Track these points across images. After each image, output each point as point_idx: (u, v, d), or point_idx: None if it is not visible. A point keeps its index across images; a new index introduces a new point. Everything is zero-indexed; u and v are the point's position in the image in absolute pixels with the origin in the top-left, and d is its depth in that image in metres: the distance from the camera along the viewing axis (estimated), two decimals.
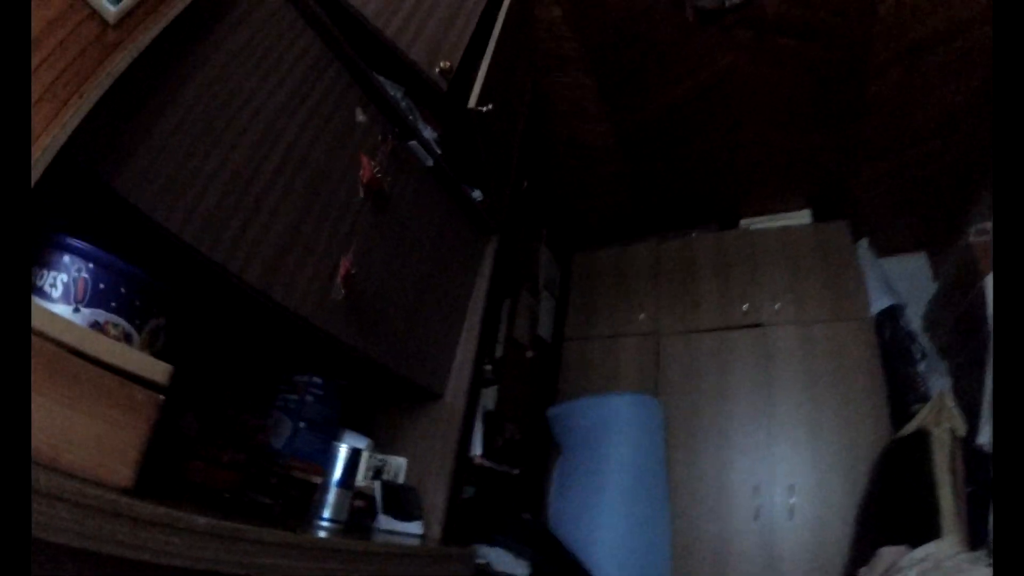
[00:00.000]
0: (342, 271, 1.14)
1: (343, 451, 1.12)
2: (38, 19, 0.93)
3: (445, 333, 1.51)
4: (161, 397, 0.79)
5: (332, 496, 1.09)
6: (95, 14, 0.89)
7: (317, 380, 1.36)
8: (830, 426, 2.35)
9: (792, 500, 2.29)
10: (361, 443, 1.41)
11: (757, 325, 2.68)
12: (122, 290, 0.84)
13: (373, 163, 1.23)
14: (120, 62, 0.87)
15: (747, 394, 2.54)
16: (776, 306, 2.69)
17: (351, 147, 1.22)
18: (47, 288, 0.81)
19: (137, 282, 0.86)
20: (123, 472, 0.75)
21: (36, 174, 0.75)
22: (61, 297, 0.81)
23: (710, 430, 2.53)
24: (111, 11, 0.89)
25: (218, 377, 1.30)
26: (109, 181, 0.84)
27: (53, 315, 0.75)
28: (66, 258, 0.82)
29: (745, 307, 2.74)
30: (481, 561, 1.55)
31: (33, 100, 0.85)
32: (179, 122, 0.92)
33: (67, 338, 0.73)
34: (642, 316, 2.94)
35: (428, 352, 1.45)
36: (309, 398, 1.34)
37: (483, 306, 1.60)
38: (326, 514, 1.08)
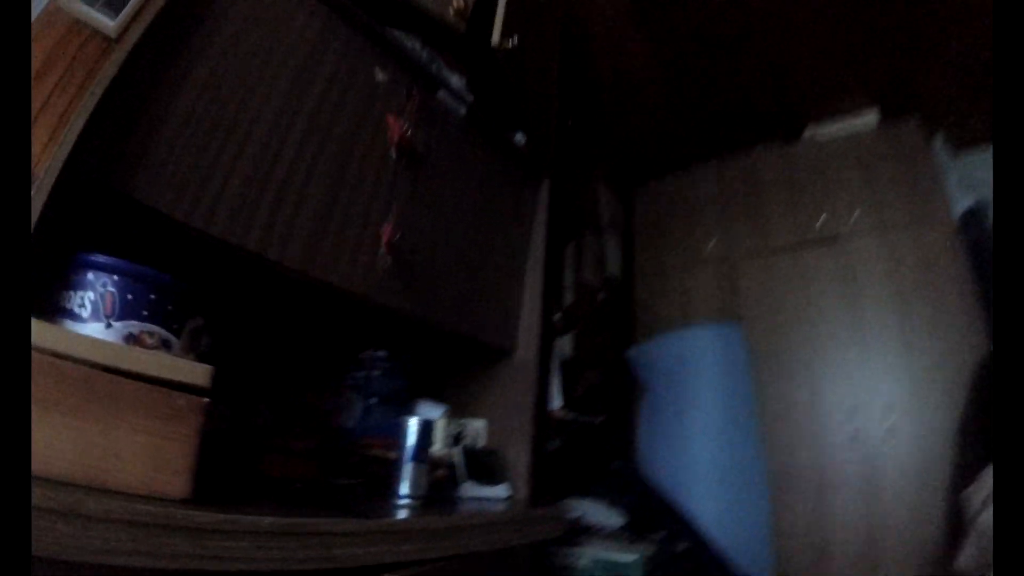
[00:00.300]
0: (384, 239, 1.08)
1: (413, 424, 1.08)
2: (41, 49, 0.91)
3: (506, 287, 1.45)
4: (205, 400, 0.75)
5: (408, 472, 1.06)
6: (96, 33, 0.89)
7: (381, 354, 1.33)
8: (923, 339, 2.14)
9: (890, 420, 2.12)
10: (436, 411, 1.38)
11: (834, 239, 2.46)
12: (151, 297, 0.82)
13: (401, 122, 1.16)
14: (108, 67, 0.83)
15: (832, 312, 2.35)
16: (852, 217, 2.44)
17: (376, 110, 1.16)
18: (76, 309, 0.79)
19: (166, 287, 0.83)
20: (177, 483, 0.73)
21: (43, 194, 0.75)
22: (91, 316, 0.79)
23: (797, 354, 2.36)
24: (110, 26, 0.88)
25: (287, 364, 1.30)
26: (123, 188, 0.83)
27: (77, 336, 0.73)
28: (90, 275, 0.80)
29: (820, 221, 2.51)
30: (574, 515, 1.50)
31: (50, 127, 0.84)
32: (186, 117, 0.89)
33: (96, 356, 0.71)
34: (712, 243, 2.76)
35: (491, 309, 1.39)
36: (376, 373, 1.31)
37: (543, 253, 1.51)
38: (404, 491, 1.05)
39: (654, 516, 1.64)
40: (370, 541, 0.81)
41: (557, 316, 1.54)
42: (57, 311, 0.79)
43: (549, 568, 1.35)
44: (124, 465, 0.71)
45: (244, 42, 0.98)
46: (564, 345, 1.96)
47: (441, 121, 1.31)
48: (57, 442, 0.68)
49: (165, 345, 0.83)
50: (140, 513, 0.66)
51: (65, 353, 0.70)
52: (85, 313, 0.79)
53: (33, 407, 0.67)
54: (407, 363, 1.37)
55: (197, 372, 0.76)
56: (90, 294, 0.80)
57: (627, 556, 1.37)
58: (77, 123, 0.79)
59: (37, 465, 0.65)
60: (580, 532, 1.44)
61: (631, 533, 1.46)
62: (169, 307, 0.83)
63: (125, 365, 0.73)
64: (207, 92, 0.92)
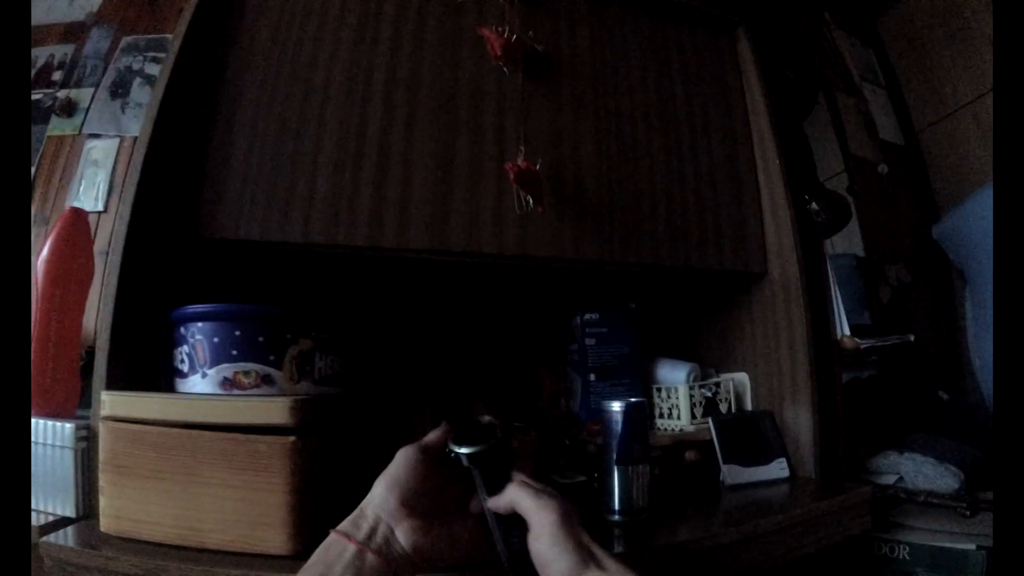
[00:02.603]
0: (512, 175, 0.84)
1: (614, 412, 0.80)
2: None
3: (729, 187, 1.06)
4: (292, 439, 0.63)
5: (615, 481, 0.78)
6: None
7: (591, 316, 1.08)
8: None
9: None
10: (680, 372, 1.08)
11: None
12: (237, 334, 0.72)
13: (501, 30, 0.91)
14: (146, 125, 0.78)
15: None
16: None
17: (467, 32, 0.92)
18: (178, 366, 0.76)
19: (252, 319, 0.73)
20: (274, 538, 0.63)
21: (117, 255, 0.73)
22: (190, 370, 0.74)
23: None
24: None
25: (497, 356, 1.15)
26: (209, 233, 0.78)
27: (145, 397, 0.68)
28: (181, 329, 0.75)
29: None
30: (887, 480, 1.03)
31: None
32: (250, 134, 0.81)
33: (168, 414, 0.65)
34: None
35: (713, 222, 1.02)
36: (590, 341, 1.07)
37: (771, 130, 1.07)
38: (616, 506, 0.78)
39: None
40: None
41: (815, 208, 1.09)
42: (171, 373, 0.76)
43: (852, 564, 0.93)
44: (216, 524, 0.64)
45: (286, 28, 0.85)
46: (850, 242, 1.45)
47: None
48: (148, 506, 0.65)
49: (266, 381, 0.73)
50: None
51: (135, 417, 0.66)
52: (185, 368, 0.74)
53: (117, 475, 0.66)
54: (629, 321, 1.09)
55: (275, 410, 0.64)
56: (185, 348, 0.75)
57: (964, 543, 0.87)
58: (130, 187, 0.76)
59: (136, 529, 0.65)
60: (895, 505, 0.97)
61: (970, 500, 0.93)
62: (260, 339, 0.73)
63: (196, 417, 0.65)
64: (262, 100, 0.82)
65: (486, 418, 0.62)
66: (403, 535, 0.50)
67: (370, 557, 0.48)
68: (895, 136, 2.07)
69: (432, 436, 0.59)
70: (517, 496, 0.53)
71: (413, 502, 0.52)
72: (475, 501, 0.57)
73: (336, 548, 0.48)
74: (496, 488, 0.56)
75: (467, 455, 0.57)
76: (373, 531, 0.50)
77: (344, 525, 0.51)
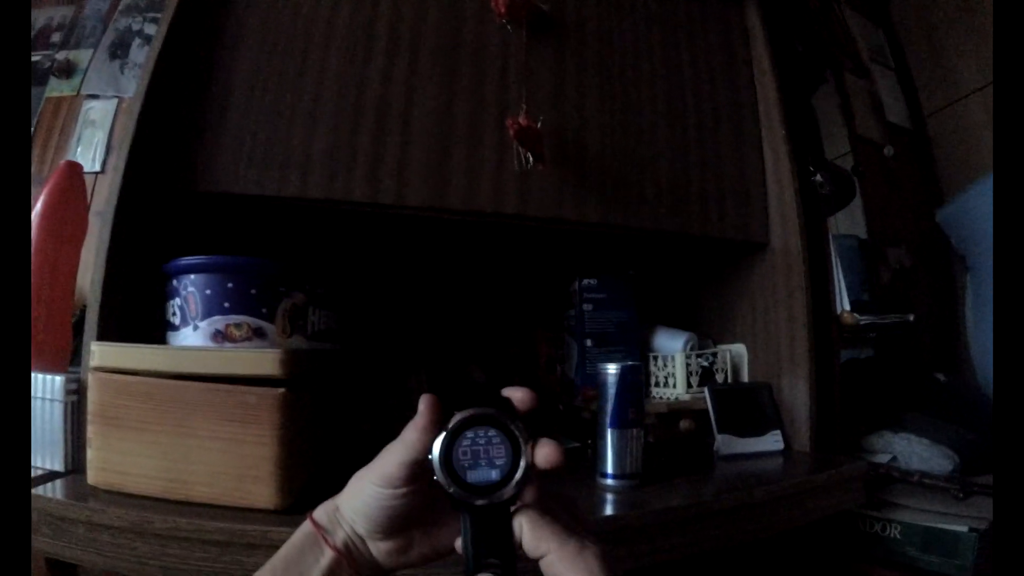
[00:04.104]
0: (512, 132, 0.82)
1: (610, 375, 0.79)
2: None
3: (733, 155, 1.04)
4: (281, 391, 0.62)
5: (609, 444, 0.78)
6: None
7: (590, 282, 1.07)
8: None
9: None
10: (677, 341, 1.07)
11: None
12: (229, 286, 0.72)
13: None
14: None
15: None
16: None
17: None
18: (170, 319, 0.75)
19: (245, 271, 0.73)
20: (261, 492, 0.62)
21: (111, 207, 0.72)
22: (181, 322, 0.74)
23: None
24: None
25: (496, 318, 1.15)
26: (206, 187, 0.77)
27: (134, 348, 0.66)
28: (174, 282, 0.75)
29: None
30: (881, 459, 1.02)
31: None
32: (248, 88, 0.80)
33: (156, 365, 0.64)
34: None
35: (716, 190, 1.00)
36: (587, 307, 1.06)
37: (777, 101, 1.04)
38: (607, 469, 0.78)
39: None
40: None
41: (819, 180, 1.07)
42: (163, 326, 0.75)
43: (843, 541, 0.93)
44: (205, 476, 0.63)
45: None
46: (852, 222, 1.43)
47: None
48: (135, 458, 0.64)
49: (258, 334, 0.72)
50: (210, 531, 0.58)
51: (125, 368, 0.65)
52: (177, 320, 0.74)
53: (105, 426, 0.65)
54: (628, 288, 1.09)
55: (265, 361, 0.63)
56: (177, 300, 0.74)
57: (956, 524, 0.86)
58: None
59: (122, 482, 0.64)
60: (889, 484, 0.97)
61: (963, 482, 0.93)
62: (253, 291, 0.72)
63: (186, 368, 0.64)
64: (263, 52, 0.81)
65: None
66: (378, 553, 0.44)
67: (344, 568, 0.43)
68: (903, 119, 2.04)
69: (411, 445, 0.41)
70: (538, 540, 0.38)
71: (387, 529, 0.43)
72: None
73: (313, 547, 0.43)
74: (503, 541, 0.38)
75: (469, 508, 0.39)
76: (349, 540, 0.43)
77: (322, 517, 0.45)
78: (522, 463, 0.38)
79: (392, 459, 0.41)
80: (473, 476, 0.38)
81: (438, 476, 0.39)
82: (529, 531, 0.38)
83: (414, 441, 0.40)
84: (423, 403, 0.42)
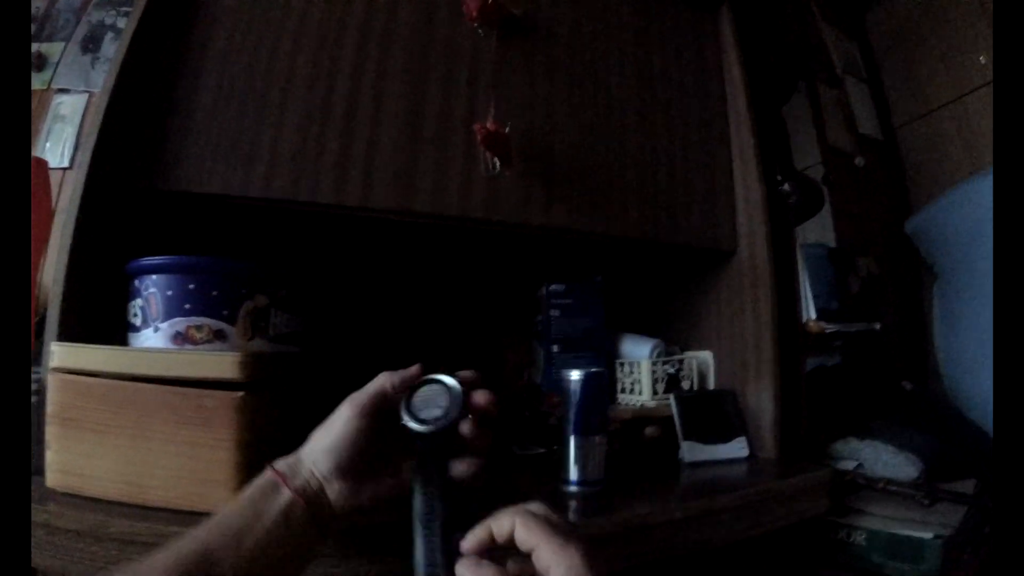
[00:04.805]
0: (479, 137, 0.83)
1: (574, 381, 0.79)
2: None
3: (701, 163, 1.04)
4: (239, 395, 0.61)
5: (572, 450, 0.78)
6: None
7: (557, 287, 1.08)
8: None
9: None
10: (644, 348, 1.07)
11: None
12: (191, 287, 0.71)
13: None
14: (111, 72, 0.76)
15: None
16: None
17: None
18: (132, 320, 0.74)
19: (207, 273, 0.72)
20: (219, 496, 0.61)
21: (74, 206, 0.71)
22: (142, 324, 0.72)
23: None
24: None
25: (466, 322, 1.15)
26: (167, 186, 0.76)
27: (93, 349, 0.65)
28: (136, 282, 0.73)
29: None
30: (847, 466, 1.03)
31: None
32: (216, 85, 0.79)
33: (114, 366, 0.64)
34: (983, 57, 1.88)
35: (683, 198, 1.01)
36: (554, 312, 1.07)
37: (747, 110, 1.06)
38: (571, 476, 0.78)
39: (964, 457, 1.05)
40: None
41: (786, 190, 1.08)
42: (126, 328, 0.74)
43: (808, 548, 0.94)
44: (162, 480, 0.62)
45: None
46: (821, 230, 1.45)
47: None
48: (93, 460, 0.63)
49: (219, 336, 0.71)
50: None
51: (84, 369, 0.64)
52: (138, 322, 0.72)
53: (64, 428, 0.64)
54: (596, 294, 1.09)
55: (225, 364, 0.62)
56: (139, 301, 0.73)
57: (921, 531, 0.88)
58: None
59: (80, 484, 0.63)
60: (854, 491, 0.98)
61: (928, 489, 0.94)
62: (214, 293, 0.71)
63: (143, 370, 0.63)
64: (231, 52, 0.80)
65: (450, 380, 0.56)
66: (333, 495, 0.50)
67: (300, 508, 0.48)
68: (874, 130, 2.07)
69: (385, 382, 0.55)
70: (529, 534, 0.43)
71: (347, 466, 0.51)
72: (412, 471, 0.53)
73: (270, 493, 0.48)
74: (441, 466, 0.52)
75: (417, 432, 0.52)
76: (307, 483, 0.50)
77: (282, 464, 0.51)
78: (455, 405, 0.53)
79: (369, 389, 0.55)
80: (423, 414, 0.53)
81: (401, 412, 0.53)
82: (522, 528, 0.44)
83: (391, 381, 0.55)
84: (412, 368, 0.57)
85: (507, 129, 0.84)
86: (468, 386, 0.55)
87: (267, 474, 0.50)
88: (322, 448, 0.51)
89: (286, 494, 0.48)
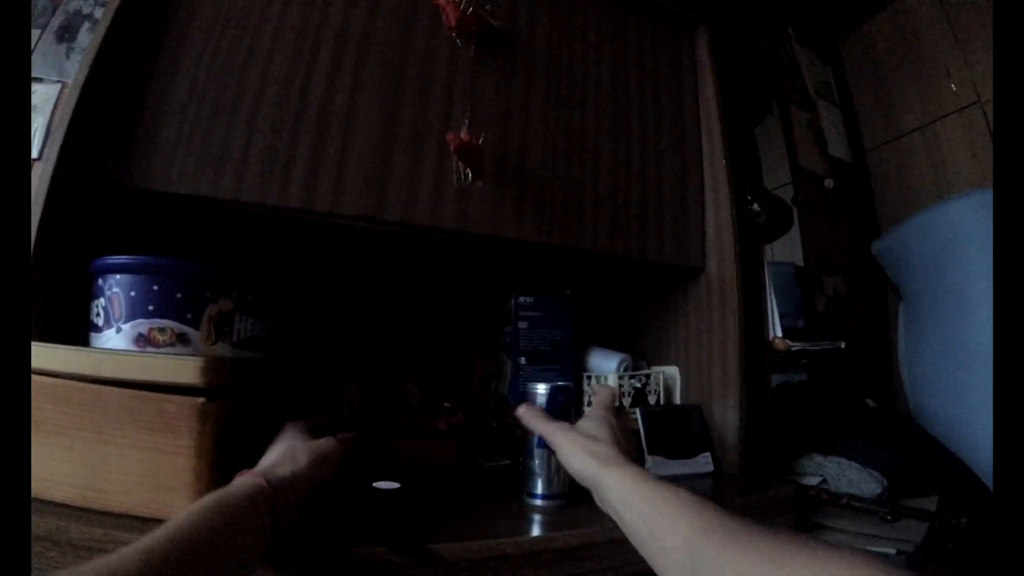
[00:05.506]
0: (452, 147, 0.82)
1: (539, 394, 0.78)
2: None
3: (673, 180, 1.06)
4: (201, 400, 0.60)
5: (537, 463, 0.77)
6: None
7: (527, 299, 1.08)
8: None
9: None
10: (611, 362, 1.08)
11: None
12: (154, 288, 0.70)
13: (458, 1, 0.89)
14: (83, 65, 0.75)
15: None
16: None
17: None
18: (94, 319, 0.72)
19: (171, 274, 0.71)
20: (179, 503, 0.61)
21: (39, 203, 0.70)
22: (104, 324, 0.71)
23: None
24: None
25: (435, 332, 1.15)
26: (136, 183, 0.75)
27: (53, 349, 0.63)
28: (99, 281, 0.72)
29: None
30: (811, 482, 1.05)
31: None
32: (189, 84, 0.78)
33: (74, 367, 0.62)
34: (954, 85, 1.95)
35: (654, 215, 1.03)
36: (523, 324, 1.07)
37: (720, 130, 1.07)
38: (537, 490, 0.78)
39: (926, 474, 1.08)
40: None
41: (756, 209, 1.10)
42: (88, 327, 0.72)
43: None
44: (121, 486, 0.61)
45: None
46: (790, 249, 1.48)
47: None
48: (52, 463, 0.62)
49: (182, 340, 0.70)
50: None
51: (43, 368, 0.62)
52: (100, 322, 0.71)
53: None
54: (565, 307, 1.10)
55: (186, 369, 0.61)
56: (101, 301, 0.71)
57: (884, 547, 0.90)
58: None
59: (39, 488, 0.61)
60: (818, 506, 1.00)
61: (891, 505, 0.97)
62: (179, 295, 0.70)
63: (106, 372, 0.62)
64: (207, 50, 0.79)
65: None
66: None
67: (265, 492, 0.54)
68: (844, 153, 2.13)
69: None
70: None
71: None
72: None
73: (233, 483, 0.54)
74: None
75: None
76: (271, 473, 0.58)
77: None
78: None
79: (333, 462, 0.66)
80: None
81: None
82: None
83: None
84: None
85: (481, 140, 0.84)
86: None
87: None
88: (294, 477, 0.60)
89: (249, 481, 0.55)
